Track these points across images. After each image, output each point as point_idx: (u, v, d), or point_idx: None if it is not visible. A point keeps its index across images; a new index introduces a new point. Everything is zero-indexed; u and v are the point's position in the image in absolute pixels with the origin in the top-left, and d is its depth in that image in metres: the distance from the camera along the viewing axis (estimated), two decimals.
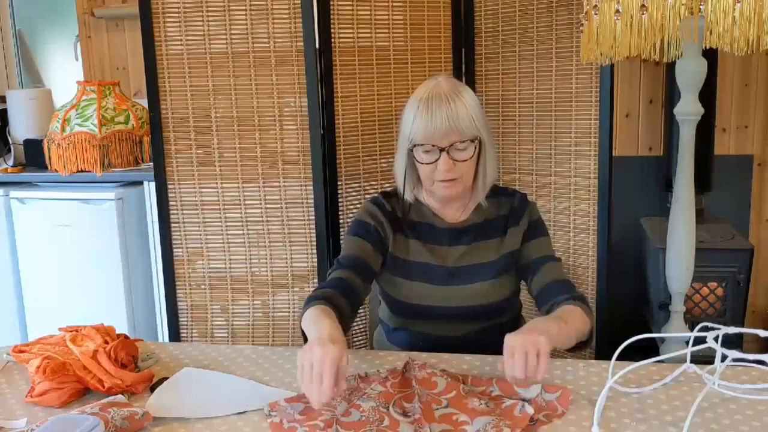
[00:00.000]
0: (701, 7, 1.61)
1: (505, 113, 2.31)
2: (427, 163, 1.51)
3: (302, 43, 2.13)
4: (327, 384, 1.16)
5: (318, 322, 1.33)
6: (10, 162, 3.14)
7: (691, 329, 1.56)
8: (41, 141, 2.92)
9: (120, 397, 1.33)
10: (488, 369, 1.42)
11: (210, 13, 2.15)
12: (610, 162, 2.11)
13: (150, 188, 2.79)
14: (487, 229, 1.61)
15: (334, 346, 1.19)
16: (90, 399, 1.35)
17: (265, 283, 2.28)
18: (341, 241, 2.12)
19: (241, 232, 2.26)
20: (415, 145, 1.51)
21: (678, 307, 2.18)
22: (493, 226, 1.61)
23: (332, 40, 2.15)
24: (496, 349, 1.49)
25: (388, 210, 1.61)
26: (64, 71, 3.76)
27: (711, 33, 1.65)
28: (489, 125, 1.56)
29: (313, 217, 2.22)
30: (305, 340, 1.46)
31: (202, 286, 2.30)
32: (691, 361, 1.35)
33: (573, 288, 1.54)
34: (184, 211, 2.26)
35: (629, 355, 1.31)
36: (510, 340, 1.25)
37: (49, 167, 2.87)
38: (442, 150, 1.48)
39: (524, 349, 1.22)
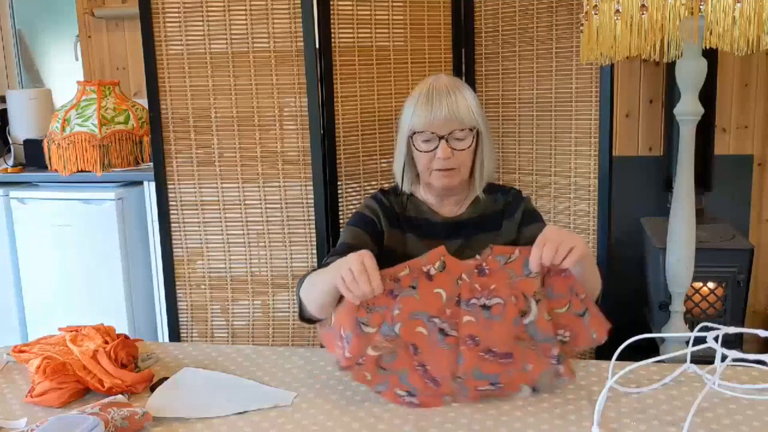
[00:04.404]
0: (701, 7, 1.61)
1: (505, 113, 2.30)
2: (425, 151, 1.52)
3: (302, 43, 2.13)
4: (373, 274, 1.22)
5: (327, 269, 1.35)
6: (10, 162, 3.14)
7: (691, 329, 1.56)
8: (41, 141, 2.92)
9: (120, 397, 1.33)
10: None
11: (210, 13, 2.15)
12: (610, 162, 2.11)
13: (150, 188, 2.79)
14: (484, 224, 1.62)
15: (365, 251, 1.25)
16: (90, 399, 1.35)
17: (265, 283, 2.28)
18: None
19: (241, 232, 2.26)
20: (414, 133, 1.53)
21: (678, 307, 2.18)
22: (489, 220, 1.62)
23: (332, 40, 2.15)
24: None
25: (386, 205, 1.63)
26: (64, 71, 3.76)
27: (711, 33, 1.65)
28: (487, 122, 1.59)
29: (313, 217, 2.22)
30: (302, 317, 1.48)
31: (202, 286, 2.30)
32: (691, 361, 1.35)
33: None
34: (184, 211, 2.26)
35: (629, 355, 1.32)
36: (546, 230, 1.26)
37: (49, 167, 2.87)
38: (441, 138, 1.50)
39: (559, 240, 1.23)
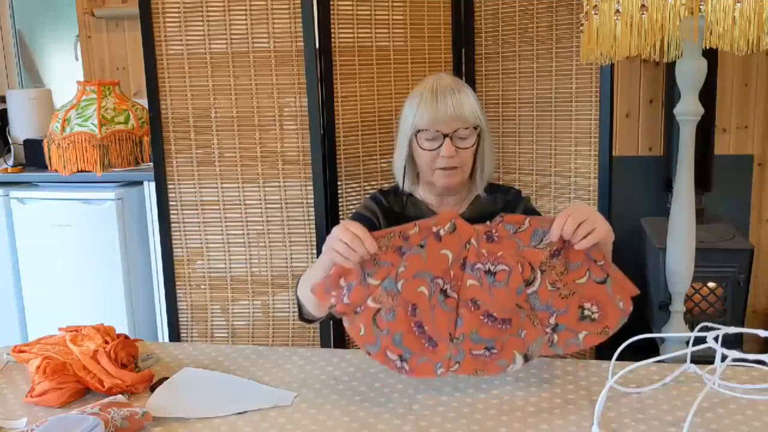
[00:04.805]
0: (701, 7, 1.61)
1: (505, 113, 2.30)
2: (429, 150, 1.53)
3: (302, 43, 2.13)
4: (365, 236, 1.24)
5: (317, 262, 1.36)
6: (10, 162, 3.14)
7: (691, 329, 1.56)
8: (41, 141, 2.92)
9: (120, 397, 1.33)
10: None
11: (210, 13, 2.15)
12: (610, 162, 2.11)
13: (150, 188, 2.79)
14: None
15: (347, 220, 1.28)
16: (90, 399, 1.35)
17: (265, 283, 2.28)
18: None
19: (241, 232, 2.26)
20: (418, 131, 1.53)
21: (678, 307, 2.18)
22: (489, 220, 1.62)
23: (332, 40, 2.15)
24: None
25: (385, 205, 1.64)
26: (64, 71, 3.76)
27: (711, 33, 1.65)
28: (487, 122, 1.60)
29: (313, 217, 2.22)
30: (301, 317, 1.50)
31: (202, 286, 2.30)
32: (691, 361, 1.35)
33: None
34: (184, 211, 2.26)
35: (629, 355, 1.32)
36: (574, 205, 1.26)
37: (49, 167, 2.87)
38: (445, 136, 1.50)
39: (583, 217, 1.24)
